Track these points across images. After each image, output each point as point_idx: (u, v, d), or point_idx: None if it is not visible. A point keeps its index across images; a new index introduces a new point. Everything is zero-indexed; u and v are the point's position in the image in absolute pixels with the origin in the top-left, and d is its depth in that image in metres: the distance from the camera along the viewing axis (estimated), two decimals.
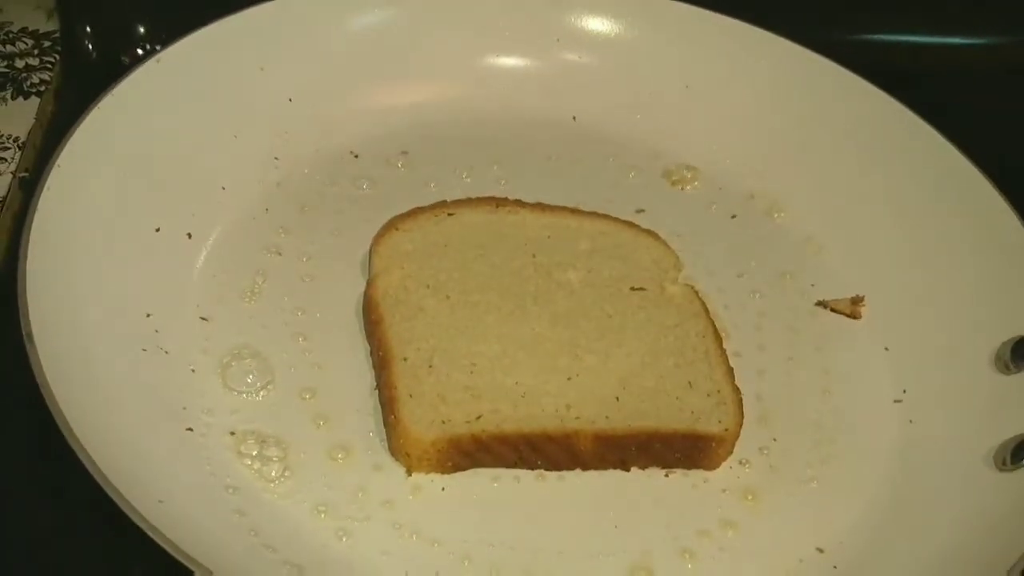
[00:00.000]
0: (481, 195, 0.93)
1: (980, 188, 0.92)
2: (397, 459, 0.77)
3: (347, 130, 0.97)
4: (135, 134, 0.86)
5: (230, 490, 0.74)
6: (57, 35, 1.07)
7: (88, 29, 1.06)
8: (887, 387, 0.86)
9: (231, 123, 0.93)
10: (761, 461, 0.81)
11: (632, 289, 0.87)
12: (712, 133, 1.02)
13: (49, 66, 1.04)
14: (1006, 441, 0.79)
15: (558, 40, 1.05)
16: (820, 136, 1.00)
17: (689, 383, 0.82)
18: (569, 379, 0.81)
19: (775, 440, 0.82)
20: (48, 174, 0.79)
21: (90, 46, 1.06)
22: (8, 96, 1.00)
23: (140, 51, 1.04)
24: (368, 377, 0.81)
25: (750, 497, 0.79)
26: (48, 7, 1.09)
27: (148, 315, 0.81)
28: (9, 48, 1.05)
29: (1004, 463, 0.78)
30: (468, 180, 0.97)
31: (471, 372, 0.80)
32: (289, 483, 0.75)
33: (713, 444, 0.79)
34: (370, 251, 0.87)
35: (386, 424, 0.78)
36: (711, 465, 0.80)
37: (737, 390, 0.82)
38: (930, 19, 1.22)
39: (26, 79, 1.02)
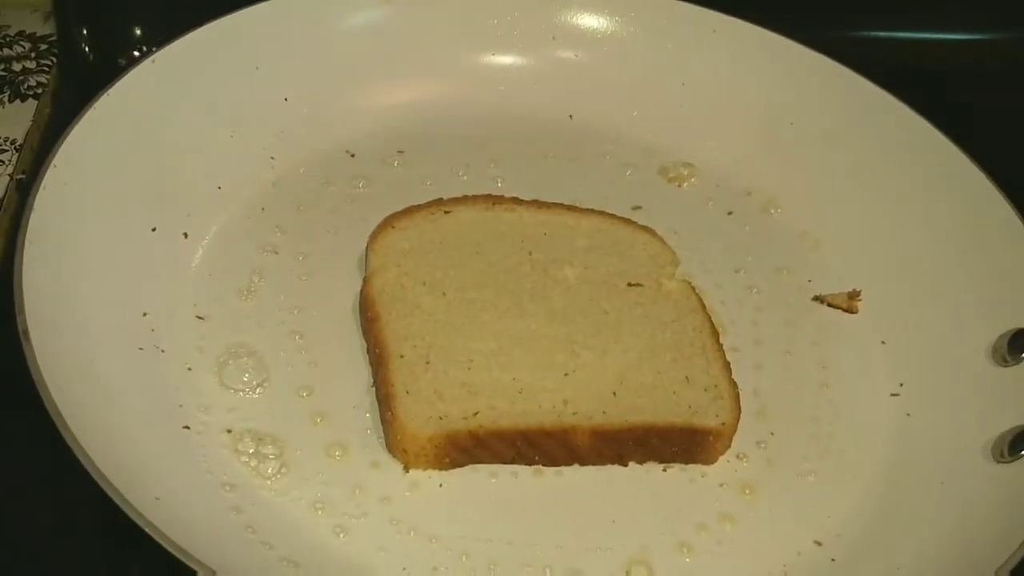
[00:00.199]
0: (477, 193, 0.93)
1: (976, 182, 0.92)
2: (394, 456, 0.77)
3: (343, 129, 0.98)
4: (131, 134, 0.87)
5: (227, 487, 0.74)
6: (54, 38, 1.08)
7: (85, 32, 1.06)
8: (884, 381, 0.86)
9: (227, 123, 0.93)
10: (759, 455, 0.81)
11: (629, 285, 0.87)
12: (708, 130, 1.02)
13: (46, 69, 1.05)
14: (1003, 433, 0.79)
15: (554, 38, 1.05)
16: (816, 132, 1.00)
17: (686, 378, 0.82)
18: (566, 375, 0.81)
19: (772, 434, 0.82)
20: (44, 174, 0.79)
21: (87, 49, 1.06)
22: (5, 99, 1.01)
23: (136, 53, 1.04)
24: (365, 374, 0.81)
25: (748, 491, 0.79)
26: (45, 10, 1.09)
27: (145, 314, 0.81)
28: (6, 51, 1.06)
29: (1001, 455, 0.78)
30: (464, 178, 0.97)
31: (468, 368, 0.80)
32: (286, 480, 0.75)
33: (710, 438, 0.79)
34: (366, 249, 0.87)
35: (383, 421, 0.78)
36: (709, 459, 0.80)
37: (734, 385, 0.82)
38: (928, 15, 1.22)
39: (23, 82, 1.03)
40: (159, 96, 0.90)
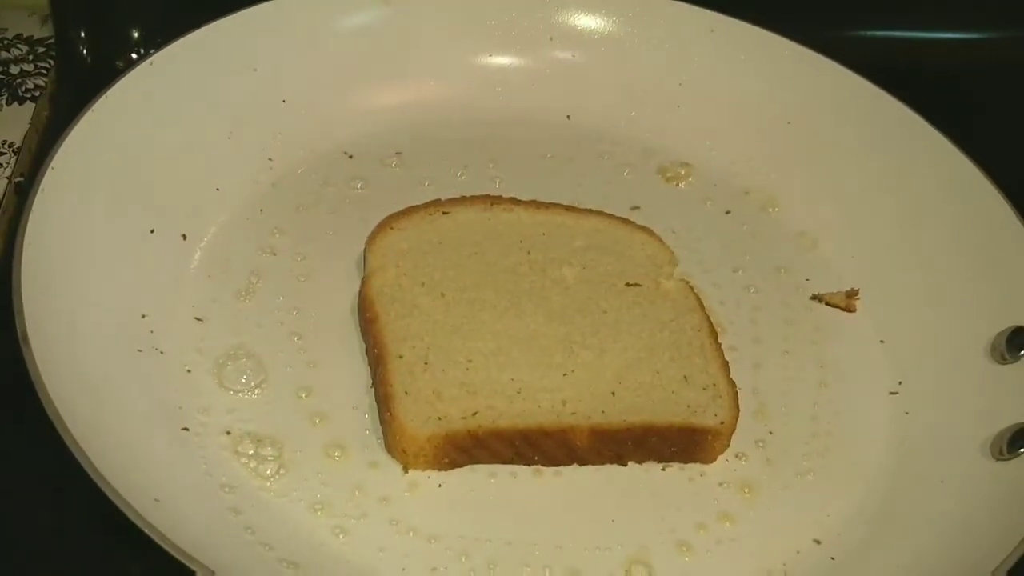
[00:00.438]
0: (476, 193, 0.93)
1: (974, 180, 0.92)
2: (393, 456, 0.77)
3: (341, 130, 0.98)
4: (129, 136, 0.87)
5: (226, 489, 0.74)
6: (52, 41, 1.08)
7: (82, 34, 1.06)
8: (883, 379, 0.86)
9: (225, 125, 0.93)
10: (758, 454, 0.81)
11: (627, 285, 0.87)
12: (706, 130, 1.02)
13: (44, 72, 1.05)
14: (1002, 431, 0.79)
15: (551, 39, 1.05)
16: (813, 131, 1.00)
17: (685, 377, 0.82)
18: (565, 375, 0.81)
19: (771, 433, 0.82)
20: (42, 176, 0.79)
21: (84, 51, 1.06)
22: (3, 102, 1.01)
23: (134, 56, 1.04)
24: (364, 375, 0.81)
25: (747, 490, 0.79)
26: (43, 13, 1.09)
27: (143, 316, 0.81)
28: (4, 54, 1.06)
29: (1000, 453, 0.78)
30: (463, 179, 0.97)
31: (467, 369, 0.80)
32: (285, 481, 0.75)
33: (709, 438, 0.79)
34: (365, 250, 0.87)
35: (382, 421, 0.78)
36: (708, 459, 0.80)
37: (733, 384, 0.82)
38: (926, 15, 1.22)
39: (21, 84, 1.03)
40: (157, 98, 0.90)
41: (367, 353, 0.82)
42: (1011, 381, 0.82)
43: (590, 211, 0.93)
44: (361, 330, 0.84)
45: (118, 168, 0.85)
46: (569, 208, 0.93)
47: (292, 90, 0.97)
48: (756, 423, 0.82)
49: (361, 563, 0.72)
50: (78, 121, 0.84)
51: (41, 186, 0.79)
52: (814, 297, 0.92)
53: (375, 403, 0.79)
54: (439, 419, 0.77)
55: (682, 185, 1.00)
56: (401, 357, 0.80)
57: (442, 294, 0.84)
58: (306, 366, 0.81)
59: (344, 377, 0.81)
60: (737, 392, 0.81)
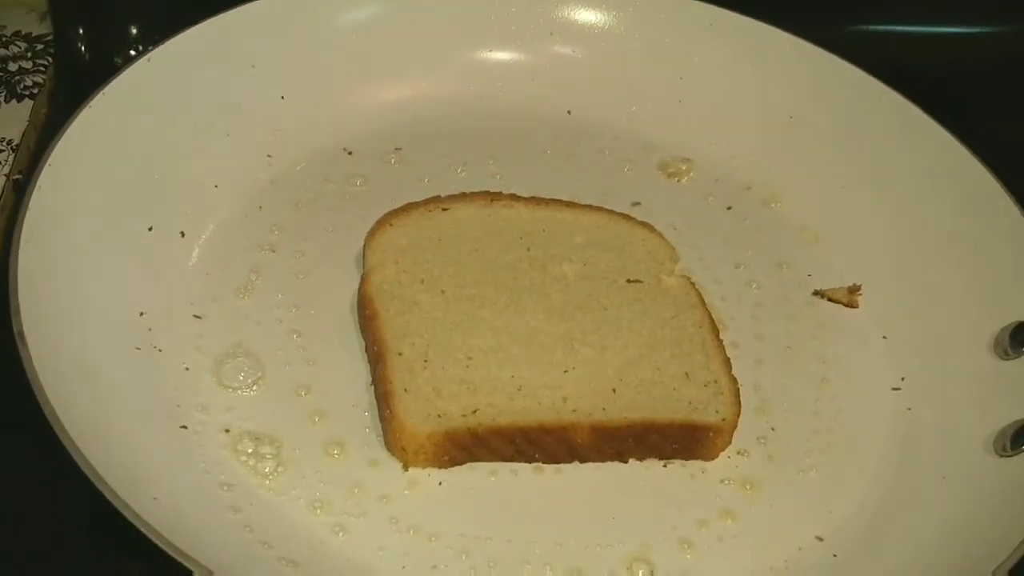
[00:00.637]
0: (475, 190, 0.92)
1: (977, 175, 0.91)
2: (393, 454, 0.77)
3: (340, 127, 0.97)
4: (126, 133, 0.86)
5: (225, 487, 0.73)
6: (50, 38, 1.08)
7: (81, 31, 1.06)
8: (885, 375, 0.86)
9: (223, 121, 0.93)
10: (759, 451, 0.81)
11: (628, 281, 0.87)
12: (707, 124, 1.02)
13: (42, 69, 1.04)
14: (1005, 427, 0.78)
15: (551, 34, 1.04)
16: (815, 126, 1.00)
17: (686, 374, 0.81)
18: (565, 372, 0.80)
19: (773, 430, 0.82)
20: (39, 173, 0.79)
21: (83, 48, 1.06)
22: (1, 99, 1.00)
23: (133, 53, 1.04)
24: (363, 373, 0.81)
25: (749, 487, 0.79)
26: (41, 10, 1.09)
27: (141, 313, 0.81)
28: (2, 51, 1.06)
29: (1004, 449, 0.77)
30: (462, 175, 0.96)
31: (466, 366, 0.80)
32: (284, 479, 0.75)
33: (711, 434, 0.79)
34: (364, 247, 0.87)
35: (382, 419, 0.78)
36: (709, 455, 0.80)
37: (734, 380, 0.81)
38: (926, 9, 1.22)
39: (19, 82, 1.02)
40: (155, 95, 0.89)
41: (366, 350, 0.82)
42: (1014, 377, 0.81)
43: (590, 207, 0.92)
44: (360, 327, 0.83)
45: (116, 165, 0.85)
46: (569, 204, 0.92)
47: (291, 86, 0.97)
48: (758, 419, 0.82)
49: (361, 561, 0.72)
50: (75, 118, 0.83)
51: (38, 183, 0.78)
52: (816, 293, 0.91)
53: (374, 401, 0.79)
54: (439, 416, 0.76)
55: (683, 180, 0.99)
56: (401, 354, 0.79)
57: (442, 291, 0.84)
58: (305, 363, 0.81)
59: (343, 375, 0.81)
60: (739, 388, 0.81)
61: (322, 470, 0.76)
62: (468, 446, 0.77)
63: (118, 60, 1.03)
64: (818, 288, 0.91)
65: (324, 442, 0.77)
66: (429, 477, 0.76)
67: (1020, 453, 0.76)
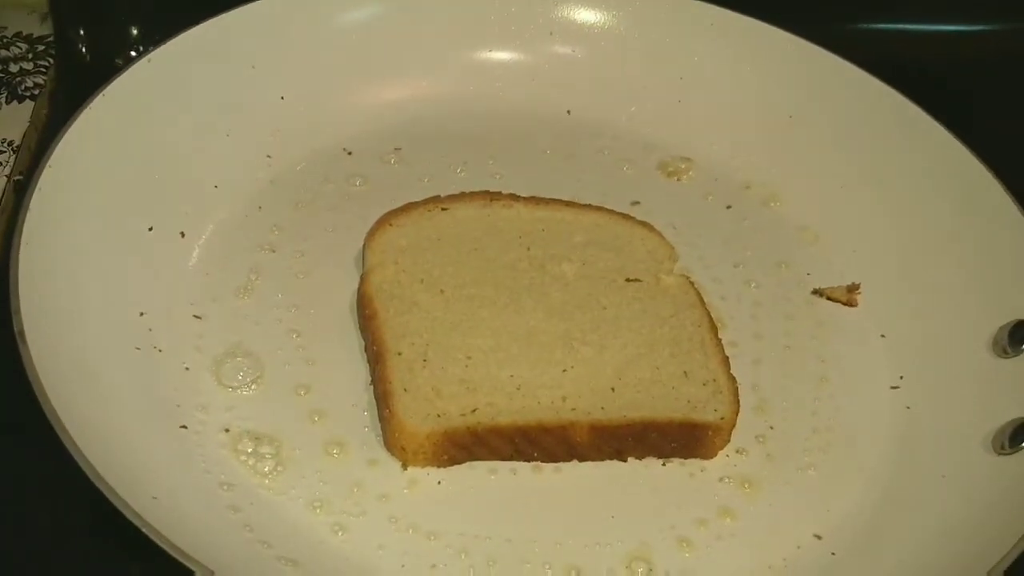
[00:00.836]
0: (475, 190, 0.93)
1: (976, 174, 0.91)
2: (392, 453, 0.77)
3: (340, 127, 0.97)
4: (127, 134, 0.86)
5: (225, 487, 0.74)
6: (51, 39, 1.08)
7: (81, 32, 1.06)
8: (884, 374, 0.86)
9: (223, 122, 0.93)
10: (758, 449, 0.81)
11: (627, 281, 0.87)
12: (707, 124, 1.02)
13: (43, 70, 1.04)
14: (1004, 425, 0.78)
15: (551, 33, 1.04)
16: (815, 125, 1.00)
17: (685, 373, 0.81)
18: (564, 371, 0.80)
19: (772, 428, 0.82)
20: (40, 174, 0.79)
21: (84, 49, 1.06)
22: (2, 100, 1.01)
23: (133, 53, 1.04)
24: (363, 372, 0.81)
25: (747, 485, 0.79)
26: (42, 11, 1.09)
27: (141, 314, 0.81)
28: (3, 52, 1.06)
29: (1002, 447, 0.77)
30: (462, 175, 0.97)
31: (466, 365, 0.80)
32: (284, 479, 0.75)
33: (710, 433, 0.79)
34: (363, 247, 0.87)
35: (381, 419, 0.78)
36: (708, 454, 0.80)
37: (733, 379, 0.82)
38: (926, 8, 1.22)
39: (20, 83, 1.03)
40: (155, 95, 0.89)
41: (366, 350, 0.82)
42: (1013, 375, 0.81)
43: (590, 206, 0.92)
44: (360, 327, 0.83)
45: (116, 166, 0.85)
46: (569, 204, 0.92)
47: (291, 87, 0.97)
48: (756, 418, 0.82)
49: (360, 561, 0.72)
50: (75, 119, 0.84)
51: (38, 184, 0.78)
52: (815, 292, 0.91)
53: (374, 400, 0.79)
54: (438, 416, 0.76)
55: (683, 180, 0.99)
56: (400, 354, 0.80)
57: (441, 291, 0.84)
58: (305, 363, 0.81)
59: (343, 374, 0.81)
60: (737, 387, 0.81)
61: (322, 469, 0.76)
62: (467, 445, 0.77)
63: (119, 61, 1.04)
64: (817, 287, 0.91)
65: (324, 442, 0.77)
66: (428, 476, 0.76)
67: (1019, 451, 0.76)
